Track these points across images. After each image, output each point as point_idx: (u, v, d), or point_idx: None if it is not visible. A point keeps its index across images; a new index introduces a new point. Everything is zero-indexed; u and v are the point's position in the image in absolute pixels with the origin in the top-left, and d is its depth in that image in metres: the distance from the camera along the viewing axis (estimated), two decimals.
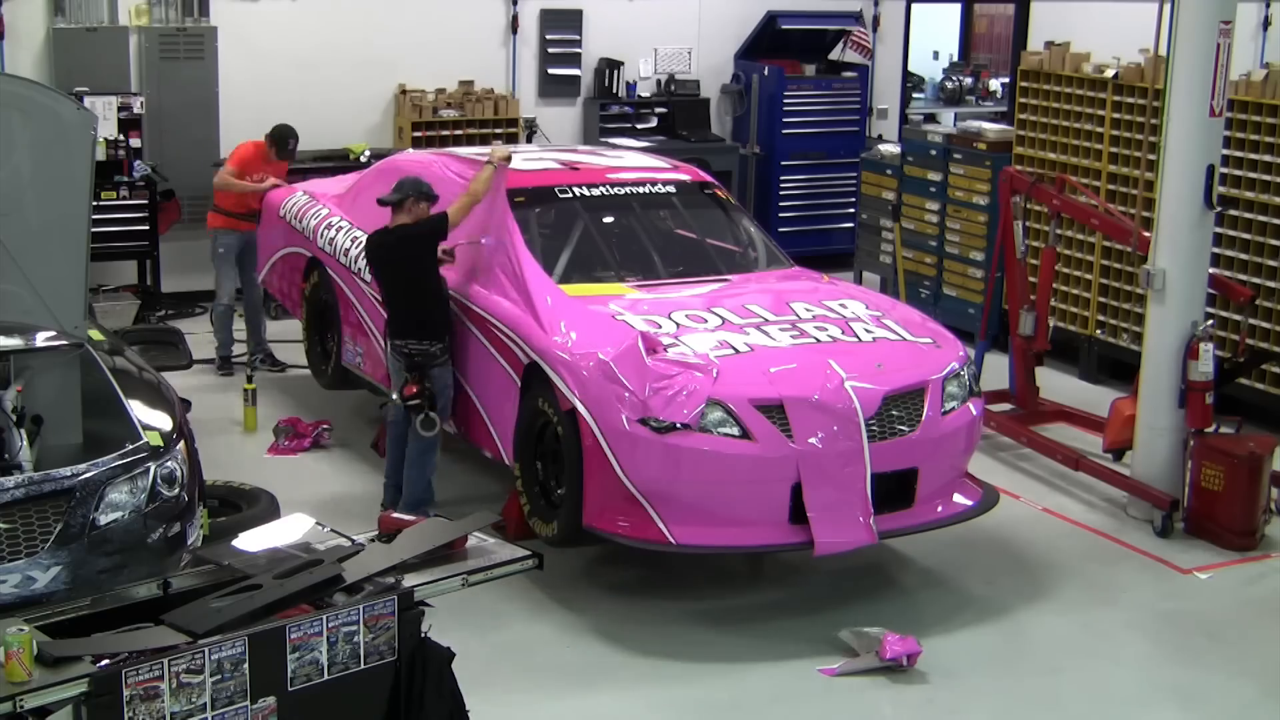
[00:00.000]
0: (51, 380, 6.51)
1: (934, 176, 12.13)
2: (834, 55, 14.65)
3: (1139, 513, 8.36)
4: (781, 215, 14.02)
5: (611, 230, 8.51)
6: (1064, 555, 7.93)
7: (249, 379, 9.77)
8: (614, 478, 6.81)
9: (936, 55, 17.69)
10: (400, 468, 7.96)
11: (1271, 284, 9.62)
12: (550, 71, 13.70)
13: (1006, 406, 9.79)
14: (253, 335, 10.85)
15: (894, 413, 7.06)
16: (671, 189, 8.79)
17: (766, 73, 14.01)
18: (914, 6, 15.09)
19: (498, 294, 7.81)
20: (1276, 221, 9.61)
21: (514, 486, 7.61)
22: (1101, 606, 7.39)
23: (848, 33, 14.55)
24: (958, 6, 17.65)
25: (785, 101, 14.01)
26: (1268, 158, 9.61)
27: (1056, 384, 10.47)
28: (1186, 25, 7.93)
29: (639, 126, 13.95)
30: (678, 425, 6.71)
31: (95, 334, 7.09)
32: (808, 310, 7.68)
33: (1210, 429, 8.21)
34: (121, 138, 11.56)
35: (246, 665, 4.37)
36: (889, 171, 12.66)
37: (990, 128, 12.10)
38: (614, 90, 13.92)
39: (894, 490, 7.04)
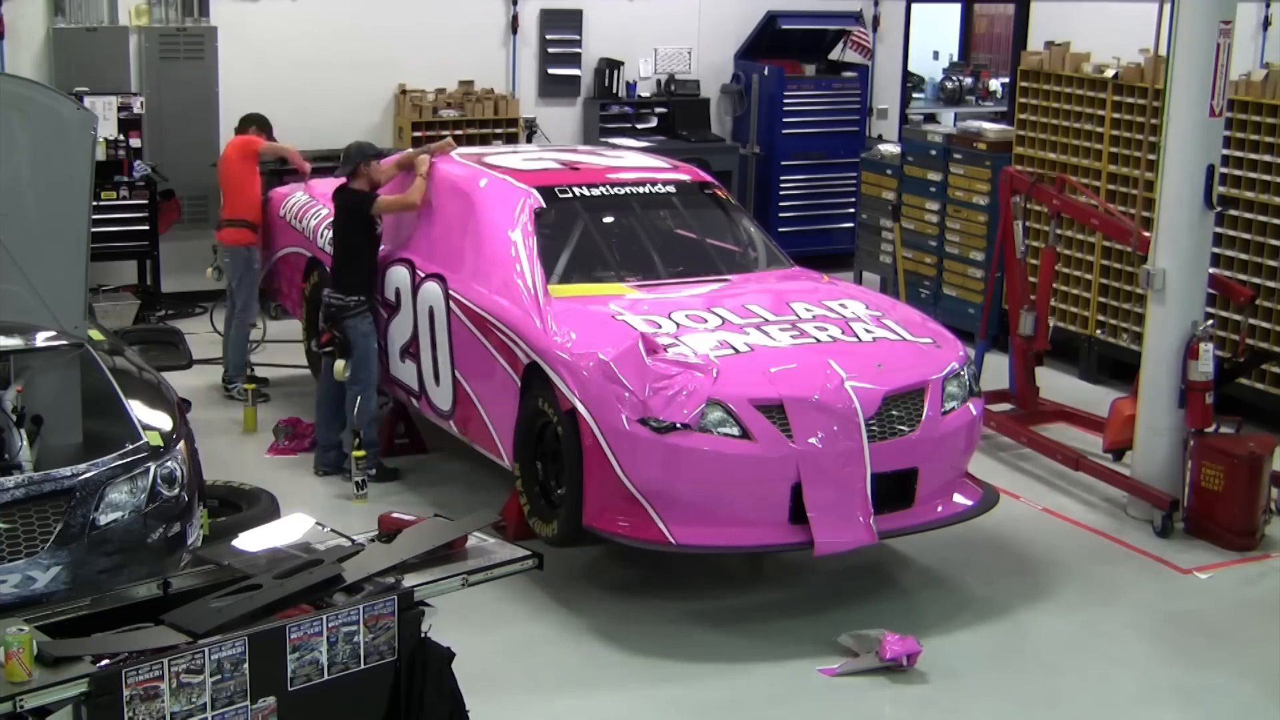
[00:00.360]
0: (51, 380, 6.51)
1: (934, 176, 12.13)
2: (834, 55, 14.66)
3: (1139, 513, 8.36)
4: (781, 215, 14.03)
5: (611, 230, 8.51)
6: (1064, 555, 7.93)
7: (250, 379, 9.78)
8: (614, 478, 6.81)
9: (936, 55, 17.69)
10: (328, 426, 8.71)
11: (1271, 284, 9.62)
12: (550, 71, 13.70)
13: (1006, 406, 9.79)
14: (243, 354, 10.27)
15: (894, 413, 7.06)
16: (671, 189, 8.79)
17: (766, 73, 14.01)
18: (914, 6, 15.10)
19: (498, 294, 7.81)
20: (1276, 221, 9.61)
21: (514, 486, 7.61)
22: (1101, 606, 7.39)
23: (848, 33, 14.55)
24: (958, 6, 17.65)
25: (785, 101, 14.01)
26: (1268, 158, 9.61)
27: (1056, 384, 10.47)
28: (1186, 25, 7.93)
29: (639, 126, 13.95)
30: (678, 425, 6.71)
31: (95, 334, 7.08)
32: (808, 310, 7.68)
33: (1210, 429, 8.21)
34: (121, 138, 11.55)
35: (246, 665, 4.37)
36: (889, 171, 12.66)
37: (990, 128, 12.10)
38: (614, 90, 13.92)
39: (894, 490, 7.04)
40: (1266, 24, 13.15)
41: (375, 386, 8.63)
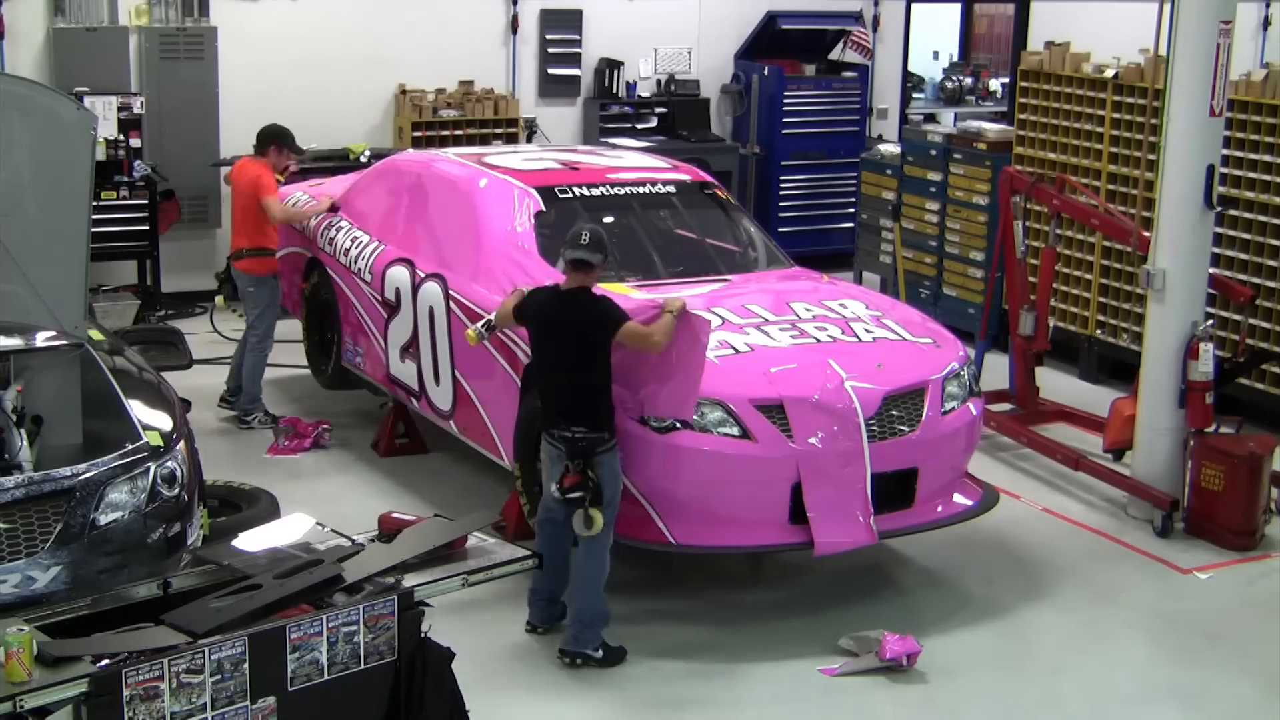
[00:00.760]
0: (51, 380, 6.51)
1: (934, 176, 12.13)
2: (834, 55, 14.65)
3: (1139, 513, 8.36)
4: (781, 215, 14.03)
5: (611, 230, 8.49)
6: (1064, 555, 7.93)
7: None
8: None
9: (936, 55, 17.68)
10: (555, 577, 6.72)
11: (1271, 284, 9.62)
12: (550, 71, 13.70)
13: (1006, 406, 9.79)
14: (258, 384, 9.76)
15: (894, 413, 7.06)
16: (671, 189, 8.79)
17: (766, 73, 14.01)
18: (914, 6, 15.09)
19: (498, 294, 7.80)
20: (1276, 221, 9.61)
21: (514, 486, 7.61)
22: (1101, 606, 7.39)
23: (848, 33, 14.55)
24: (958, 6, 17.64)
25: (785, 101, 14.01)
26: (1268, 158, 9.61)
27: (1056, 384, 10.47)
28: (1186, 25, 7.93)
29: (639, 126, 13.95)
30: (677, 425, 6.71)
31: (95, 334, 7.08)
32: (808, 310, 7.68)
33: (1210, 429, 8.21)
34: (121, 138, 11.55)
35: (246, 665, 4.37)
36: (889, 171, 12.66)
37: (990, 128, 12.10)
38: (614, 90, 13.92)
39: (894, 490, 7.04)
40: (1266, 24, 13.13)
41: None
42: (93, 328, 7.19)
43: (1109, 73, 10.73)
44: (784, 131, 14.03)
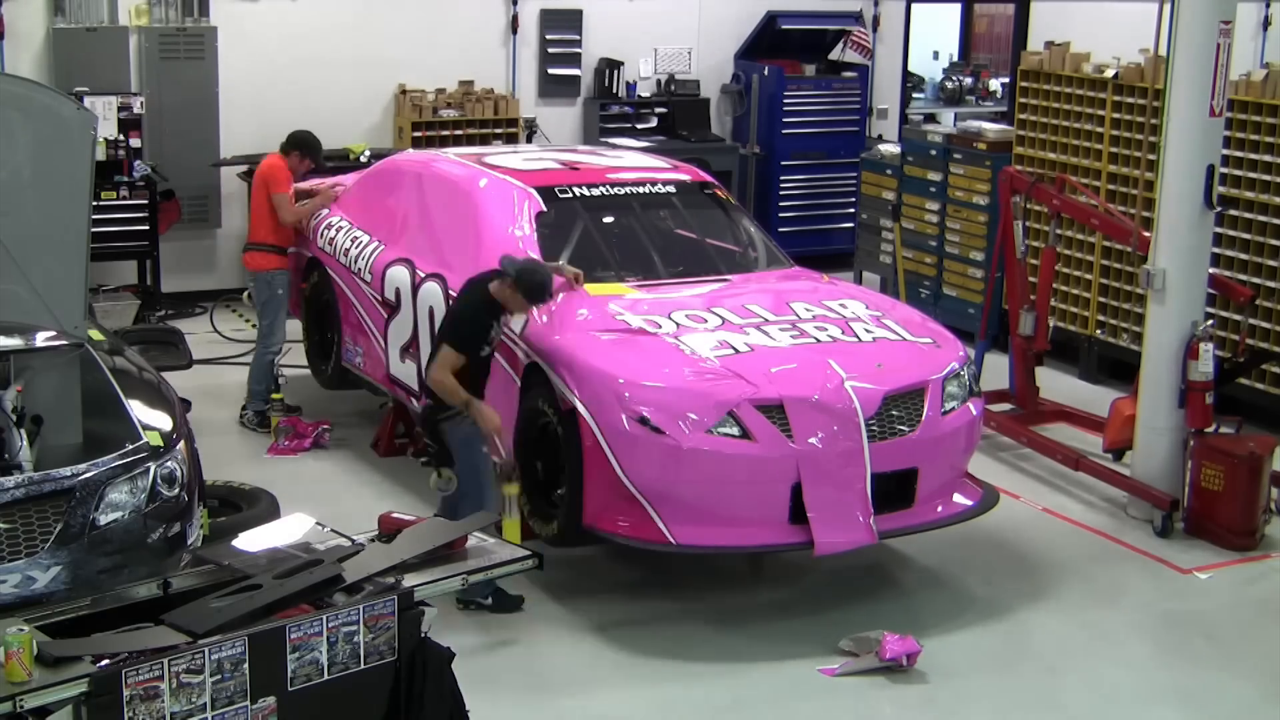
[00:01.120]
0: (51, 380, 6.50)
1: (934, 176, 12.13)
2: (834, 55, 14.65)
3: (1139, 513, 8.36)
4: (781, 215, 14.03)
5: (611, 230, 8.51)
6: (1064, 555, 7.93)
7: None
8: (614, 478, 6.81)
9: (936, 55, 17.68)
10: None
11: (1271, 284, 9.62)
12: (550, 71, 13.70)
13: (1006, 406, 9.79)
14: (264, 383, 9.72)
15: (894, 413, 7.06)
16: (671, 189, 8.79)
17: (766, 73, 14.01)
18: (914, 6, 15.09)
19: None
20: (1276, 221, 9.61)
21: None
22: (1101, 606, 7.39)
23: (848, 33, 14.55)
24: (958, 6, 17.64)
25: (785, 101, 14.01)
26: (1268, 158, 9.61)
27: (1056, 384, 10.47)
28: (1186, 25, 7.93)
29: (639, 126, 13.95)
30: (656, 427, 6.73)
31: (95, 334, 7.08)
32: (808, 310, 7.68)
33: (1210, 429, 8.21)
34: (121, 138, 11.55)
35: (246, 665, 4.37)
36: (889, 171, 12.66)
37: (990, 128, 12.10)
38: (614, 90, 13.92)
39: (894, 490, 7.04)
40: (1266, 24, 13.14)
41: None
42: (93, 328, 7.19)
43: (1109, 73, 10.73)
44: (784, 131, 14.04)
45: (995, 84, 17.21)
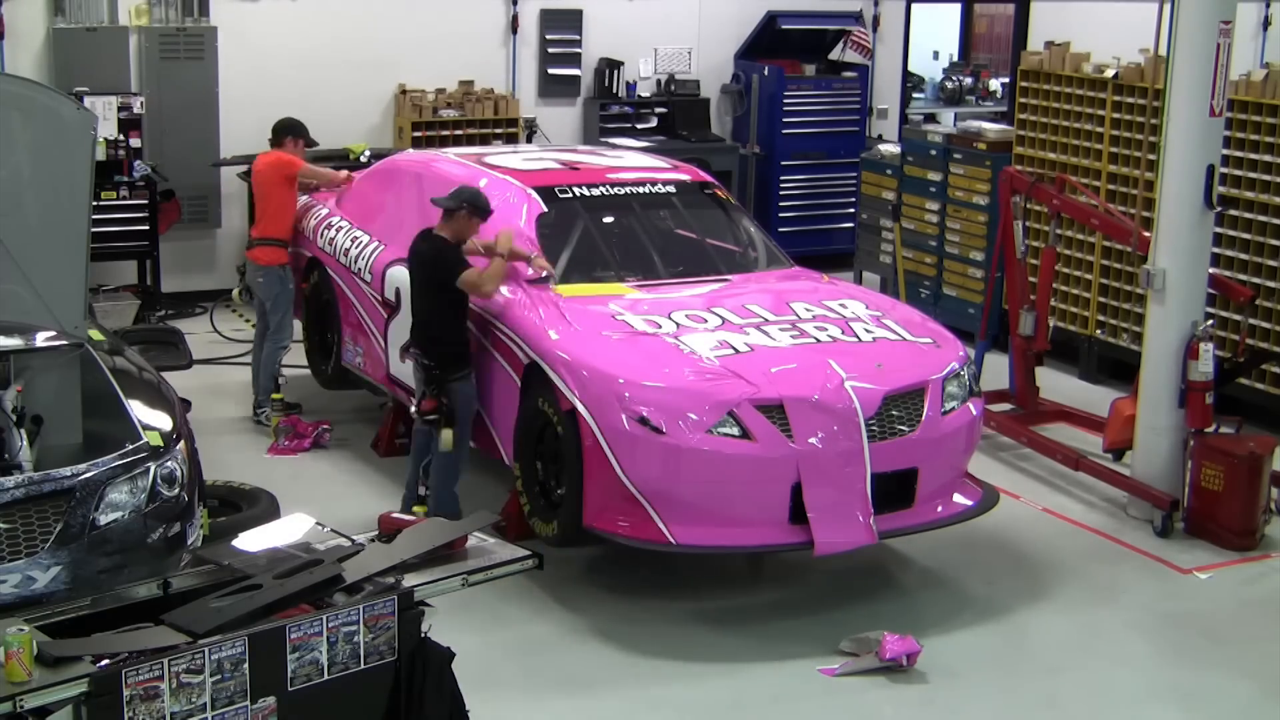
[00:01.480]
0: (51, 380, 6.50)
1: (934, 176, 12.13)
2: (834, 55, 14.65)
3: (1139, 513, 8.36)
4: (781, 215, 14.03)
5: (611, 230, 8.51)
6: (1064, 555, 7.93)
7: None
8: (614, 478, 6.81)
9: (936, 55, 17.69)
10: (418, 480, 7.79)
11: (1271, 284, 9.62)
12: (550, 71, 13.70)
13: (1006, 406, 9.79)
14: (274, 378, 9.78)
15: (894, 413, 7.06)
16: (671, 189, 8.79)
17: (766, 73, 14.01)
18: (914, 6, 15.10)
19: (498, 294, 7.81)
20: (1276, 221, 9.61)
21: (514, 486, 7.62)
22: (1101, 606, 7.39)
23: (848, 33, 14.55)
24: (958, 6, 17.65)
25: (785, 101, 14.01)
26: (1268, 158, 9.61)
27: (1056, 384, 10.47)
28: (1186, 25, 7.93)
29: (639, 126, 13.95)
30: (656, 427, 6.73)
31: (95, 334, 7.08)
32: (808, 310, 7.68)
33: (1210, 429, 8.21)
34: (121, 138, 11.55)
35: (246, 665, 4.37)
36: (889, 171, 12.66)
37: (990, 128, 12.10)
38: (614, 90, 13.92)
39: (894, 490, 7.04)
40: (1266, 24, 13.14)
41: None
42: (93, 328, 7.19)
43: (1109, 73, 10.73)
44: (784, 131, 14.04)
45: (995, 84, 17.21)
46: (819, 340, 7.36)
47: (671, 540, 6.79)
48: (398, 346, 8.58)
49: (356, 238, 9.12)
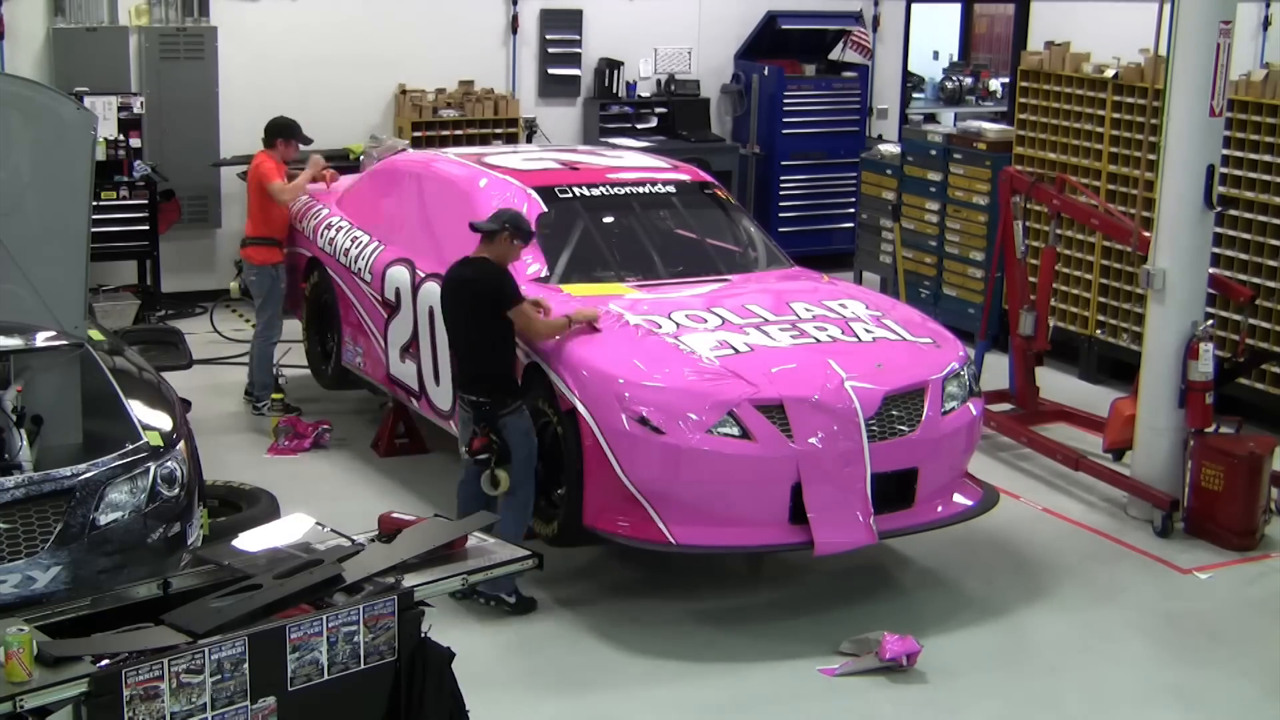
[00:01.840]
0: (51, 380, 6.50)
1: (934, 176, 12.13)
2: (834, 55, 14.66)
3: (1139, 513, 8.36)
4: (781, 215, 14.03)
5: (611, 230, 8.51)
6: (1064, 555, 7.93)
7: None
8: (614, 478, 6.82)
9: (936, 55, 17.70)
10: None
11: (1271, 284, 9.62)
12: (550, 71, 13.70)
13: (1006, 406, 9.79)
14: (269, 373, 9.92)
15: (894, 413, 7.06)
16: (671, 189, 8.79)
17: (766, 73, 14.01)
18: (914, 6, 15.10)
19: None
20: (1276, 221, 9.61)
21: None
22: (1101, 606, 7.39)
23: (848, 33, 14.55)
24: (958, 6, 17.66)
25: (785, 101, 14.01)
26: (1268, 158, 9.61)
27: (1056, 384, 10.47)
28: (1186, 25, 7.93)
29: (639, 126, 13.95)
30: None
31: (95, 334, 7.08)
32: (808, 310, 7.68)
33: (1210, 429, 8.21)
34: (121, 138, 11.55)
35: (246, 665, 4.37)
36: (889, 171, 12.66)
37: (990, 128, 12.10)
38: (614, 90, 13.92)
39: (894, 490, 7.04)
40: (1266, 24, 13.15)
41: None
42: (93, 328, 7.19)
43: (1109, 73, 10.73)
44: (784, 131, 14.04)
45: (995, 84, 17.22)
46: (819, 340, 7.36)
47: (671, 540, 6.79)
48: (398, 346, 8.60)
49: (356, 238, 9.12)
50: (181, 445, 6.37)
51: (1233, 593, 7.60)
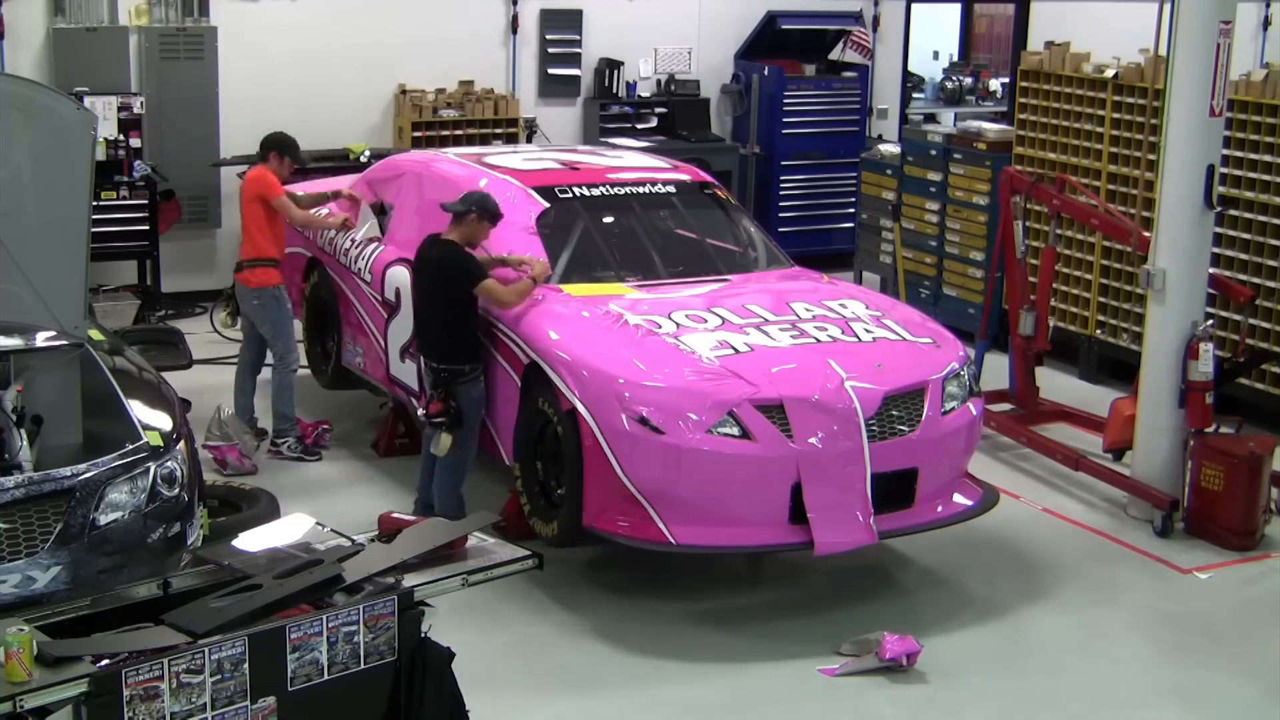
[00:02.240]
0: (51, 380, 6.50)
1: (934, 176, 12.13)
2: (834, 55, 14.66)
3: (1139, 513, 8.36)
4: (781, 215, 14.03)
5: (611, 230, 8.51)
6: (1064, 555, 7.93)
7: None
8: (614, 478, 6.82)
9: (936, 55, 17.70)
10: (430, 483, 7.77)
11: (1271, 284, 9.62)
12: (550, 71, 13.70)
13: (1006, 406, 9.79)
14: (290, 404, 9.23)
15: (894, 413, 7.06)
16: (671, 189, 8.79)
17: (766, 73, 14.01)
18: (914, 6, 15.10)
19: None
20: (1276, 221, 9.61)
21: (514, 486, 7.62)
22: (1101, 606, 7.39)
23: (848, 33, 14.55)
24: (958, 6, 17.66)
25: (785, 101, 14.01)
26: (1268, 158, 9.61)
27: (1056, 384, 10.47)
28: (1186, 25, 7.93)
29: (639, 126, 13.95)
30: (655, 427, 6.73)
31: (95, 334, 7.08)
32: (808, 310, 7.68)
33: (1210, 429, 8.21)
34: (121, 138, 11.55)
35: (246, 665, 4.37)
36: (889, 171, 12.66)
37: (990, 128, 12.10)
38: (614, 90, 13.92)
39: (894, 490, 7.04)
40: (1266, 24, 13.15)
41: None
42: (93, 328, 7.19)
43: (1109, 73, 10.73)
44: (784, 131, 14.04)
45: (995, 84, 17.22)
46: (819, 340, 7.36)
47: (671, 540, 6.79)
48: (398, 346, 8.59)
49: (356, 238, 9.11)
50: (181, 445, 6.37)
51: (1233, 593, 7.60)
